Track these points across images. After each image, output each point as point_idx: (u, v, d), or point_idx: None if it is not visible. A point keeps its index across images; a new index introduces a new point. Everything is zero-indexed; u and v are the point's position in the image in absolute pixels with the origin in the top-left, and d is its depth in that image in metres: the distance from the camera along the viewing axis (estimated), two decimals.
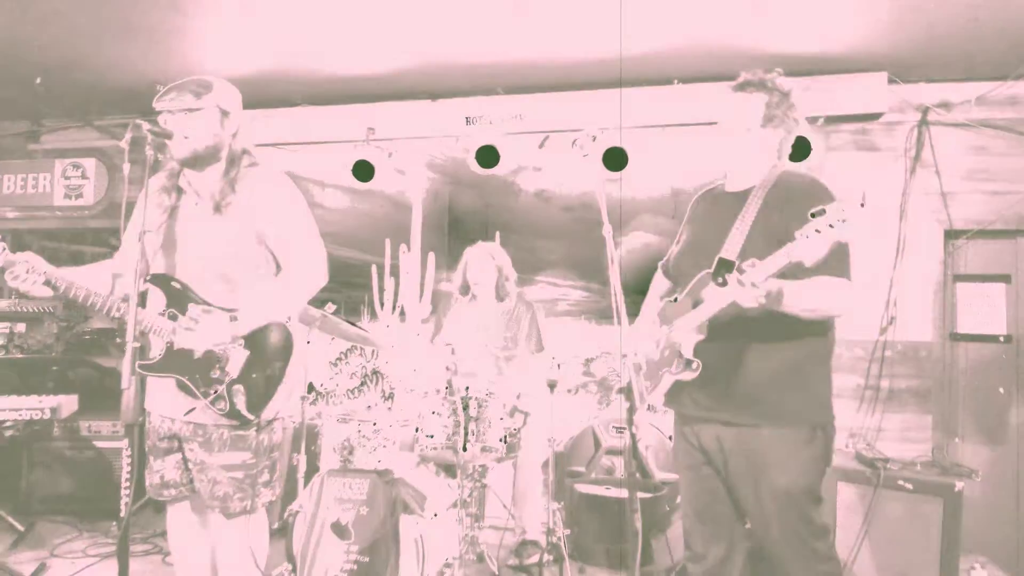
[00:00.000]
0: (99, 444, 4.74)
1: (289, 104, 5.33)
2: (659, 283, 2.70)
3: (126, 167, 2.19)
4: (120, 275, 2.50)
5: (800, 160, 4.43)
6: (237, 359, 2.38)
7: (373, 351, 5.57)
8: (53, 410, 3.97)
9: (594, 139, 4.53)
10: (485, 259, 4.27)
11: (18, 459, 4.72)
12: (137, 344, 2.01)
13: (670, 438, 3.38)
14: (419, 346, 5.26)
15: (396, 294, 5.48)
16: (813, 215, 1.81)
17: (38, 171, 6.01)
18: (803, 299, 2.04)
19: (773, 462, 2.20)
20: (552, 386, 3.85)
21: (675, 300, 2.38)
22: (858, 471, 3.65)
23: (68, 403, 4.15)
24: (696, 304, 2.23)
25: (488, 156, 4.93)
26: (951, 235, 4.67)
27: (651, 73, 4.61)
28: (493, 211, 5.57)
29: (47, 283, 2.25)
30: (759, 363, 2.22)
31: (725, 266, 2.06)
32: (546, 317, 4.50)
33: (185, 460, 2.44)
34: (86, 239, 5.98)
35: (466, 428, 3.40)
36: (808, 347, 2.25)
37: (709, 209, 2.48)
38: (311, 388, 4.71)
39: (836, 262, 2.06)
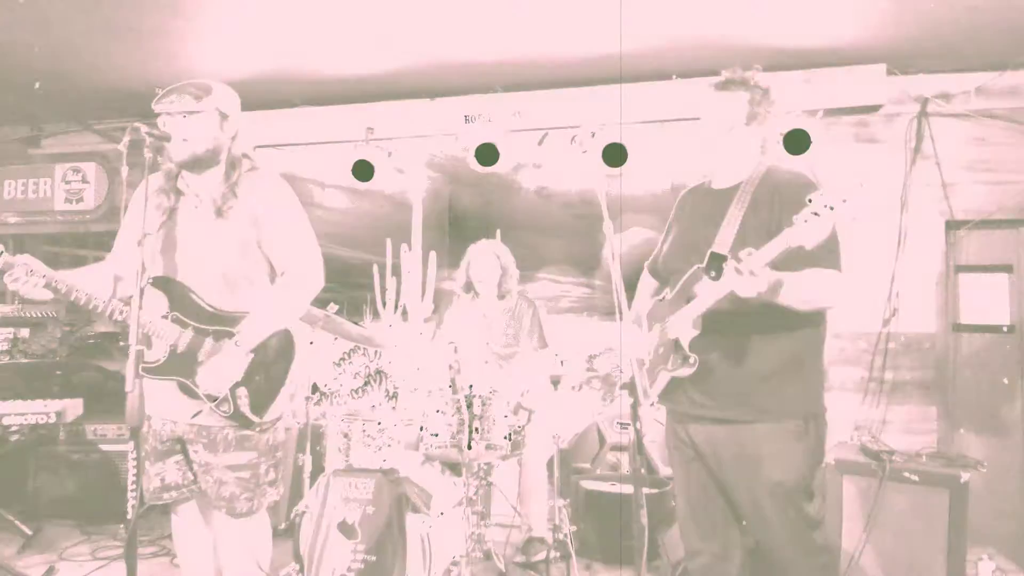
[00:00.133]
0: (105, 447, 4.75)
1: (288, 105, 5.33)
2: (647, 283, 2.70)
3: (124, 170, 2.19)
4: (121, 278, 2.50)
5: (799, 153, 4.43)
6: (240, 362, 2.39)
7: (376, 351, 5.58)
8: (58, 414, 3.98)
9: (593, 135, 4.53)
10: (489, 256, 4.27)
11: (24, 464, 4.73)
12: (140, 347, 2.01)
13: None
14: (422, 345, 5.26)
15: (398, 293, 5.48)
16: (811, 200, 1.83)
17: (39, 176, 6.01)
18: (800, 290, 2.06)
19: (768, 457, 2.21)
20: (556, 383, 3.85)
21: (663, 299, 2.41)
22: (863, 463, 3.64)
23: (73, 407, 4.17)
24: (689, 300, 2.25)
25: (488, 154, 4.93)
26: (952, 226, 4.66)
27: (650, 69, 4.61)
28: (493, 209, 5.57)
29: (47, 286, 2.24)
30: (755, 357, 2.24)
31: (718, 260, 2.09)
32: (548, 314, 4.51)
33: (188, 461, 2.44)
34: (87, 243, 5.99)
35: (470, 426, 3.40)
36: (802, 339, 2.28)
37: (697, 206, 2.49)
38: (315, 388, 4.71)
39: (828, 253, 2.11)
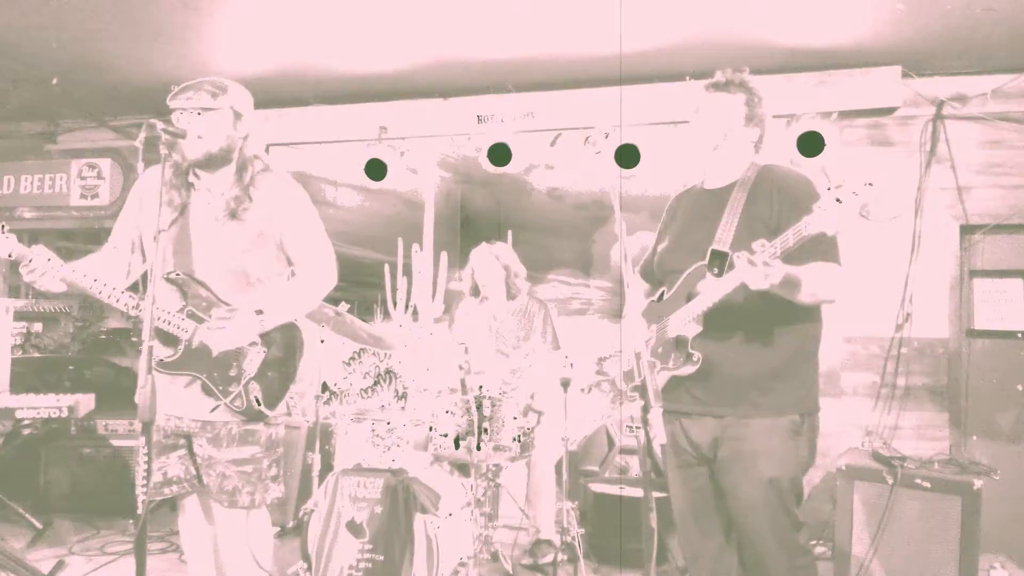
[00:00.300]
0: (116, 443, 4.78)
1: (302, 103, 5.34)
2: (638, 285, 2.72)
3: (140, 166, 2.21)
4: (130, 272, 2.53)
5: (813, 156, 4.41)
6: (254, 358, 2.40)
7: (386, 352, 5.58)
8: (70, 408, 4.00)
9: (607, 136, 4.52)
10: (490, 260, 4.26)
11: (36, 458, 4.76)
12: (153, 342, 2.02)
13: None
14: (432, 345, 5.27)
15: (409, 293, 5.48)
16: (832, 187, 1.86)
17: (54, 171, 6.07)
18: (808, 283, 2.09)
19: (762, 453, 2.22)
20: (565, 385, 3.84)
21: (660, 299, 2.43)
22: (874, 470, 3.62)
23: (85, 402, 4.19)
24: (690, 298, 2.27)
25: (500, 154, 4.93)
26: (967, 230, 4.62)
27: (663, 69, 4.59)
28: (505, 209, 5.57)
29: (64, 279, 2.26)
30: (755, 353, 2.25)
31: (720, 257, 2.14)
32: (558, 316, 4.50)
33: (192, 456, 2.45)
34: (101, 239, 5.99)
35: (479, 427, 3.40)
36: (802, 335, 2.30)
37: (691, 207, 2.51)
38: (325, 387, 4.72)
39: (830, 248, 2.18)
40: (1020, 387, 4.52)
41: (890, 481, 3.51)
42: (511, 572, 3.59)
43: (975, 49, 4.28)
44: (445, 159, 5.61)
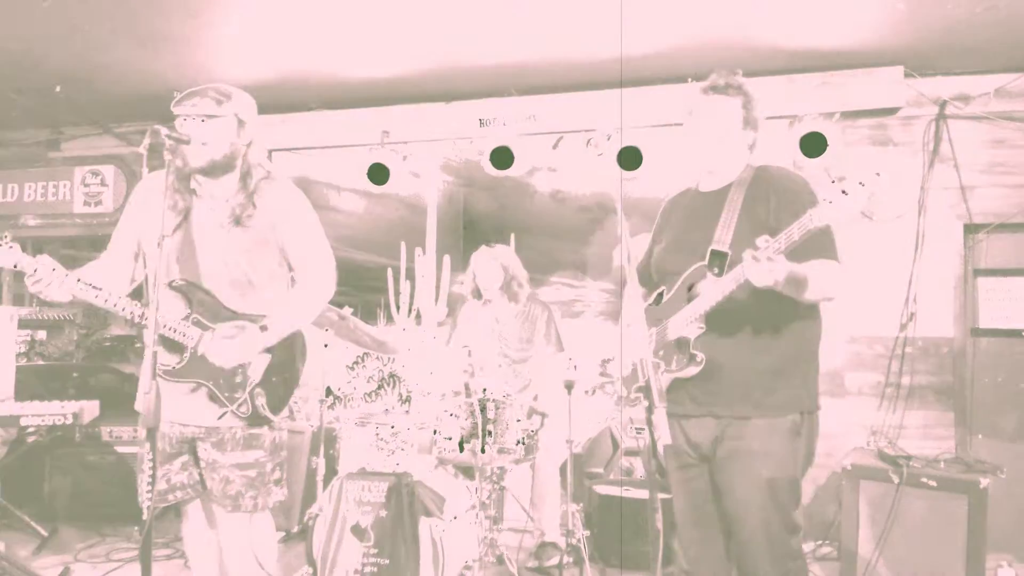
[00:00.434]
0: (120, 449, 4.78)
1: (304, 109, 5.36)
2: (635, 288, 2.70)
3: (144, 172, 2.21)
4: (135, 279, 2.53)
5: (816, 156, 4.40)
6: (259, 364, 2.41)
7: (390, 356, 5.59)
8: (75, 415, 4.01)
9: (609, 138, 4.53)
10: (490, 263, 4.26)
11: (41, 465, 4.77)
12: (157, 348, 2.02)
13: None
14: (436, 349, 5.27)
15: (412, 297, 5.48)
16: (837, 180, 1.87)
17: (58, 179, 6.09)
18: (811, 279, 2.09)
19: (761, 453, 2.21)
20: (569, 387, 3.84)
21: (657, 302, 2.42)
22: (880, 469, 3.61)
23: (90, 408, 4.19)
24: (691, 300, 2.27)
25: (502, 158, 4.93)
26: (971, 229, 4.61)
27: (664, 72, 4.60)
28: (508, 213, 5.57)
29: (68, 289, 2.26)
30: (757, 352, 2.25)
31: (720, 257, 2.16)
32: (562, 318, 4.50)
33: (196, 461, 2.46)
34: (105, 246, 6.03)
35: (483, 430, 3.40)
36: (802, 333, 2.30)
37: (687, 210, 2.51)
38: (329, 392, 4.72)
39: (829, 245, 2.19)
40: None
41: (896, 480, 3.51)
42: (516, 575, 3.59)
43: (977, 48, 4.27)
44: (448, 163, 5.62)
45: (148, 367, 1.96)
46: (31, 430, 4.27)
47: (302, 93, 5.15)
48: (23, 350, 5.30)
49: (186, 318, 2.38)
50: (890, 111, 4.64)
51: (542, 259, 5.26)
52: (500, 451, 3.44)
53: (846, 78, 4.55)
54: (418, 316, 5.49)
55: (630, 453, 4.74)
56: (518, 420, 3.51)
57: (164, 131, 2.20)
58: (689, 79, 4.60)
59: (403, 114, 5.25)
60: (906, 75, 4.52)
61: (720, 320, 2.22)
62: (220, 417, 2.39)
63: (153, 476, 2.00)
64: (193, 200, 2.46)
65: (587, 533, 3.86)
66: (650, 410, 1.76)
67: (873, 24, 4.02)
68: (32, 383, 4.98)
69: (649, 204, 2.66)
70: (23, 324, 5.29)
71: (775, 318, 2.23)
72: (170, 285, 2.38)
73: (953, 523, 3.35)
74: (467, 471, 3.83)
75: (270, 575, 2.52)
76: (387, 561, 3.23)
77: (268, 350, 2.42)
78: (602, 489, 4.21)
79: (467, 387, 3.84)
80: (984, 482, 3.34)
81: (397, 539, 3.23)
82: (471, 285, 4.36)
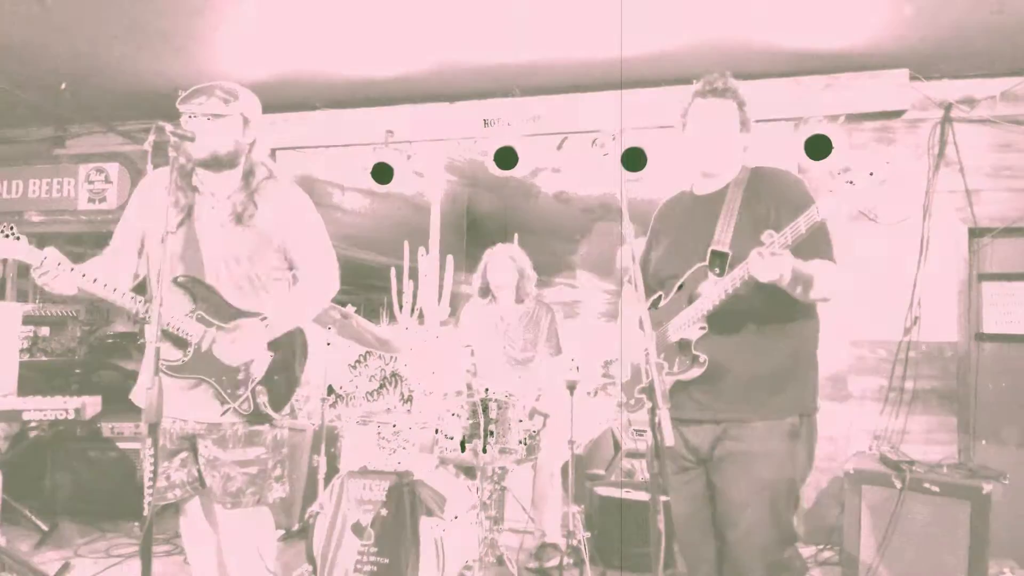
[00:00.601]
0: (122, 445, 4.79)
1: (309, 108, 5.36)
2: (632, 291, 2.69)
3: (149, 168, 2.22)
4: (138, 276, 2.54)
5: (821, 159, 4.39)
6: (262, 361, 2.41)
7: (392, 355, 5.59)
8: (77, 410, 4.00)
9: (614, 138, 4.52)
10: (505, 261, 4.25)
11: (42, 460, 4.77)
12: (160, 344, 2.02)
13: None
14: (438, 348, 5.27)
15: (415, 296, 5.49)
16: (843, 170, 1.88)
17: (63, 176, 6.10)
18: (814, 277, 2.09)
19: (760, 455, 2.20)
20: (571, 388, 3.83)
21: (654, 305, 2.41)
22: (882, 474, 3.60)
23: (92, 404, 4.19)
24: (692, 300, 2.26)
25: (506, 158, 4.93)
26: (976, 233, 4.60)
27: (669, 73, 4.59)
28: (511, 213, 5.58)
29: (74, 281, 2.26)
30: (759, 353, 2.24)
31: (720, 257, 2.16)
32: (565, 319, 4.49)
33: (196, 459, 2.46)
34: (109, 243, 6.05)
35: (485, 430, 3.40)
36: (802, 332, 2.30)
37: (684, 214, 2.50)
38: (331, 390, 4.72)
39: (826, 245, 2.19)
40: None
41: (898, 485, 3.50)
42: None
43: (983, 52, 4.26)
44: (451, 163, 5.62)
45: (150, 362, 1.96)
46: (33, 425, 4.27)
47: (307, 92, 5.15)
48: (26, 346, 5.30)
49: (190, 314, 2.39)
50: (895, 114, 4.62)
51: (545, 259, 5.26)
52: (502, 451, 3.44)
53: (851, 81, 4.54)
54: (421, 315, 5.49)
55: (631, 455, 4.73)
56: (520, 420, 3.50)
57: (169, 128, 2.20)
58: (694, 80, 4.59)
59: (407, 114, 5.25)
60: (912, 78, 4.50)
61: (721, 321, 2.21)
62: (223, 414, 2.39)
63: (155, 471, 2.00)
64: (195, 197, 2.47)
65: (588, 534, 3.85)
66: (654, 412, 1.75)
67: (878, 27, 4.00)
68: (35, 379, 4.98)
69: (654, 206, 2.66)
70: (26, 320, 5.29)
71: (775, 319, 2.23)
72: (174, 281, 2.38)
73: (956, 529, 3.34)
74: (468, 471, 3.82)
75: (271, 570, 2.52)
76: (387, 560, 3.22)
77: (271, 348, 2.42)
78: (603, 490, 4.20)
79: (469, 386, 3.84)
80: (987, 488, 3.33)
81: (397, 538, 3.23)
82: (480, 281, 4.34)
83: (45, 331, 5.44)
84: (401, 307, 5.49)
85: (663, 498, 1.90)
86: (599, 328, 5.38)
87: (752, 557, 2.22)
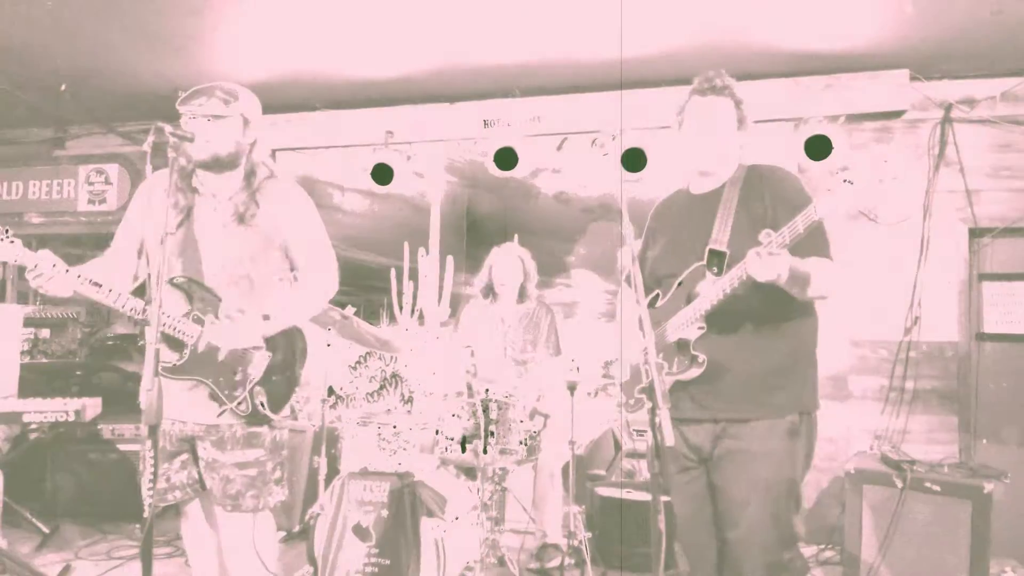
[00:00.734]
0: (122, 447, 4.78)
1: (309, 109, 5.36)
2: (628, 292, 2.68)
3: (148, 169, 2.22)
4: (137, 277, 2.53)
5: (821, 159, 4.39)
6: (260, 362, 2.41)
7: (392, 356, 5.58)
8: (77, 412, 4.00)
9: (614, 138, 4.52)
10: (513, 259, 4.24)
11: (43, 462, 4.77)
12: (159, 345, 2.01)
13: None
14: (438, 349, 5.26)
15: (415, 297, 5.48)
16: (839, 170, 1.88)
17: (62, 177, 6.11)
18: (812, 275, 2.09)
19: (761, 454, 2.19)
20: (572, 388, 3.83)
21: (651, 305, 2.40)
22: (883, 473, 3.60)
23: (92, 406, 4.19)
24: (690, 300, 2.26)
25: (506, 158, 4.93)
26: (976, 233, 4.60)
27: (669, 73, 4.59)
28: (512, 213, 5.57)
29: (69, 283, 2.25)
30: (758, 351, 2.24)
31: (718, 257, 2.15)
32: (564, 319, 4.49)
33: (196, 460, 2.45)
34: (109, 244, 6.04)
35: (486, 431, 3.39)
36: (802, 330, 2.29)
37: (681, 213, 2.49)
38: (331, 391, 4.72)
39: (823, 243, 2.18)
40: None
41: (899, 485, 3.50)
42: None
43: (983, 52, 4.26)
44: (452, 163, 5.62)
45: (150, 364, 1.96)
46: (33, 427, 4.27)
47: (306, 93, 5.15)
48: (26, 348, 5.30)
49: (186, 315, 2.38)
50: (896, 114, 4.63)
51: (545, 260, 5.25)
52: (502, 452, 3.44)
53: (851, 81, 4.54)
54: (421, 316, 5.49)
55: (632, 455, 4.73)
56: (520, 421, 3.50)
57: (168, 128, 2.20)
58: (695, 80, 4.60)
59: (407, 114, 5.25)
60: (912, 78, 4.51)
61: (719, 321, 2.21)
62: (219, 415, 2.38)
63: (155, 473, 2.00)
64: (195, 198, 2.46)
65: (589, 535, 3.85)
66: (654, 412, 1.75)
67: (878, 27, 4.01)
68: (35, 381, 4.98)
69: (653, 206, 2.65)
70: (27, 323, 5.29)
71: (773, 317, 2.22)
72: (171, 282, 2.38)
73: (957, 528, 3.34)
74: (469, 472, 3.82)
75: (272, 572, 2.52)
76: (388, 561, 3.22)
77: (269, 348, 2.42)
78: (604, 491, 4.20)
79: (469, 387, 3.84)
80: (988, 487, 3.33)
81: (399, 539, 3.23)
82: (485, 280, 4.33)
83: (45, 333, 5.45)
84: (401, 308, 5.48)
85: (664, 498, 1.90)
86: (599, 328, 5.38)
87: (753, 557, 2.21)
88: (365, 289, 5.59)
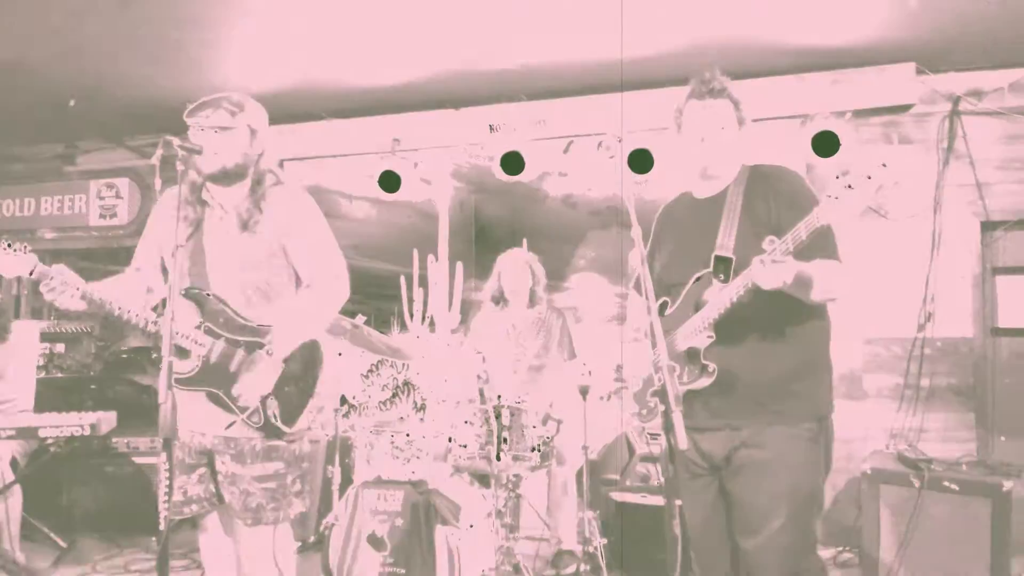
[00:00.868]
0: (138, 460, 4.80)
1: (315, 118, 5.38)
2: (636, 302, 2.65)
3: (158, 182, 2.22)
4: (152, 289, 2.54)
5: (829, 155, 4.37)
6: (272, 373, 2.39)
7: (404, 363, 5.58)
8: (93, 426, 4.02)
9: (620, 140, 4.51)
10: (521, 266, 4.23)
11: (59, 477, 4.80)
12: (172, 359, 2.02)
13: None
14: (450, 356, 5.26)
15: (425, 304, 5.48)
16: (841, 175, 1.84)
17: (73, 192, 6.17)
18: (819, 279, 2.06)
19: (780, 463, 2.15)
20: (584, 393, 3.81)
21: (663, 312, 2.36)
22: (900, 473, 3.56)
23: (107, 420, 4.21)
24: (698, 308, 2.22)
25: (513, 163, 4.93)
26: (988, 227, 4.56)
27: (672, 73, 4.56)
28: (519, 218, 5.57)
29: (83, 297, 2.26)
30: (770, 357, 2.20)
31: (724, 263, 2.12)
32: (575, 323, 4.48)
33: (213, 474, 2.45)
34: (120, 258, 6.08)
35: (499, 437, 3.39)
36: (813, 335, 2.25)
37: (686, 218, 2.47)
38: (343, 400, 4.72)
39: (830, 244, 2.14)
40: None
41: (917, 484, 3.46)
42: None
43: (990, 43, 4.23)
44: (458, 169, 5.62)
45: (164, 377, 1.96)
46: (50, 441, 4.30)
47: (312, 102, 5.17)
48: (41, 363, 5.33)
49: (198, 326, 2.39)
50: (903, 108, 4.60)
51: (555, 264, 5.24)
52: (515, 458, 3.43)
53: (857, 76, 4.52)
54: (432, 323, 5.49)
55: (646, 459, 4.71)
56: (533, 427, 3.49)
57: (176, 142, 2.20)
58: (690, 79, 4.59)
59: (413, 121, 5.26)
60: (918, 72, 4.48)
61: (729, 328, 2.16)
62: (228, 427, 2.38)
63: (170, 486, 2.00)
64: (205, 211, 2.47)
65: (604, 541, 3.83)
66: (667, 414, 1.74)
67: (883, 20, 3.98)
68: (51, 396, 5.01)
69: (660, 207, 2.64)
70: (42, 337, 5.32)
71: (784, 323, 2.18)
72: (182, 293, 2.38)
73: (976, 527, 3.30)
74: (483, 479, 3.81)
75: None
76: (403, 570, 3.22)
77: (283, 360, 2.41)
78: (618, 496, 4.18)
79: (482, 394, 3.83)
80: (1007, 485, 3.28)
81: (413, 548, 3.22)
82: (494, 286, 4.32)
83: (60, 348, 5.48)
84: (412, 315, 5.49)
85: (678, 502, 1.89)
86: (610, 332, 5.36)
87: (772, 565, 2.18)
88: (375, 297, 5.60)
